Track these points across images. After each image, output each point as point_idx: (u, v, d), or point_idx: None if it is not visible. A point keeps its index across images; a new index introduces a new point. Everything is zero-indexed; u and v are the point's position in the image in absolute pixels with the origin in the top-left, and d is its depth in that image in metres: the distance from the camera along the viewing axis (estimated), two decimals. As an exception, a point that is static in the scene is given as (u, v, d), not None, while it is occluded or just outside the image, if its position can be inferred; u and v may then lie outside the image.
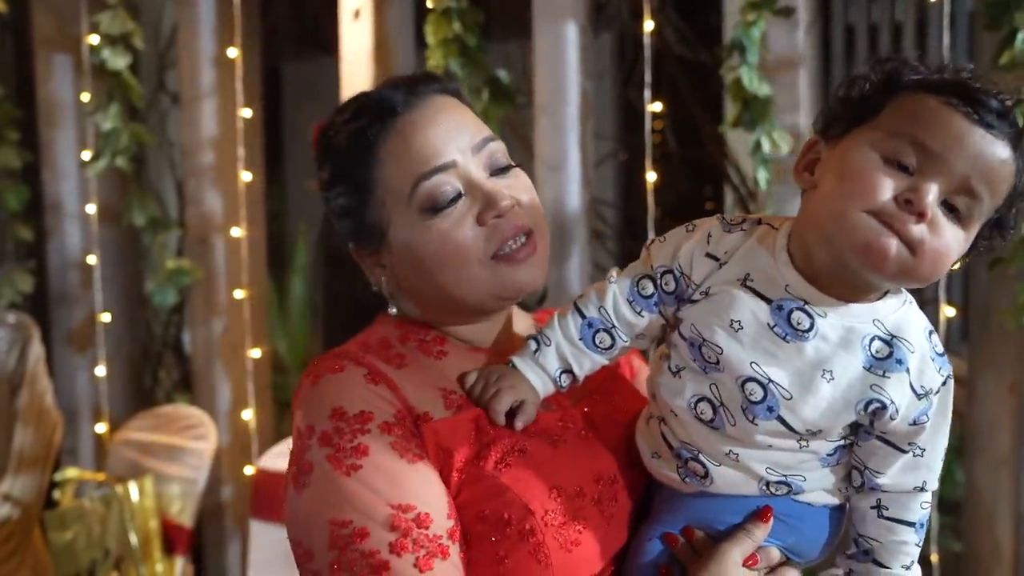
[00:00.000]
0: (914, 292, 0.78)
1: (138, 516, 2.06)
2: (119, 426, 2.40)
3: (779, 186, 1.73)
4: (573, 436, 0.84)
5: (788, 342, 0.73)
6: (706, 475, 0.79)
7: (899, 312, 0.74)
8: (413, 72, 0.89)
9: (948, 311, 1.76)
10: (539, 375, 0.83)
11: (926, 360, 0.74)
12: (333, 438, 0.78)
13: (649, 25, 1.88)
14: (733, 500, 0.81)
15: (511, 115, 2.01)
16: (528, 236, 0.83)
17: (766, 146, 1.68)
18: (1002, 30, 1.53)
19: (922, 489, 0.78)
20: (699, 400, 0.77)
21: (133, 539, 2.05)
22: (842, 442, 0.78)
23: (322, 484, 0.77)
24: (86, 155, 2.38)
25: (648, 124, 1.91)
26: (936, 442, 0.77)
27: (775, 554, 0.82)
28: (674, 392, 0.79)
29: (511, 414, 0.82)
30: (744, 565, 0.79)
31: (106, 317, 2.46)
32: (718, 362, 0.75)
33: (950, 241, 0.69)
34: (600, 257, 2.59)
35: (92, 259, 2.45)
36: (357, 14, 2.15)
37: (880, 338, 0.73)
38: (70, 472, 2.26)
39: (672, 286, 0.79)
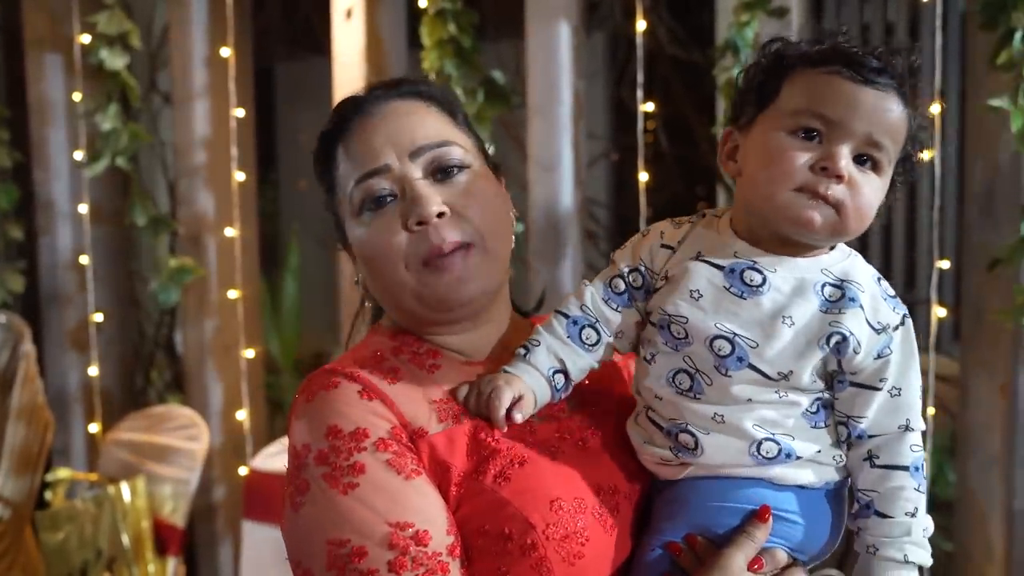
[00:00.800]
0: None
1: (130, 516, 2.06)
2: (111, 426, 2.39)
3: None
4: (571, 447, 0.84)
5: (745, 299, 0.79)
6: (696, 445, 0.80)
7: (845, 262, 0.81)
8: (399, 75, 0.92)
9: (940, 311, 1.77)
10: (533, 375, 0.84)
11: (878, 299, 0.80)
12: (329, 457, 0.77)
13: (642, 25, 1.89)
14: (731, 493, 0.80)
15: (504, 115, 2.02)
16: (465, 249, 0.83)
17: (758, 146, 1.68)
18: (998, 30, 1.53)
19: (907, 428, 0.80)
20: (676, 373, 0.81)
21: (125, 540, 2.04)
22: (821, 395, 0.81)
23: (319, 503, 0.77)
24: (78, 155, 2.37)
25: (641, 124, 1.91)
26: (909, 380, 0.80)
27: (781, 556, 0.82)
28: (653, 376, 0.83)
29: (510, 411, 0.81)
30: (749, 569, 0.79)
31: (98, 317, 2.45)
32: (686, 335, 0.80)
33: (869, 192, 0.78)
34: (593, 257, 2.59)
35: (84, 259, 2.44)
36: (349, 14, 2.15)
37: (830, 284, 0.79)
38: (62, 472, 2.25)
39: (640, 281, 0.85)
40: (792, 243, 0.80)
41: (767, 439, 0.79)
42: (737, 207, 0.83)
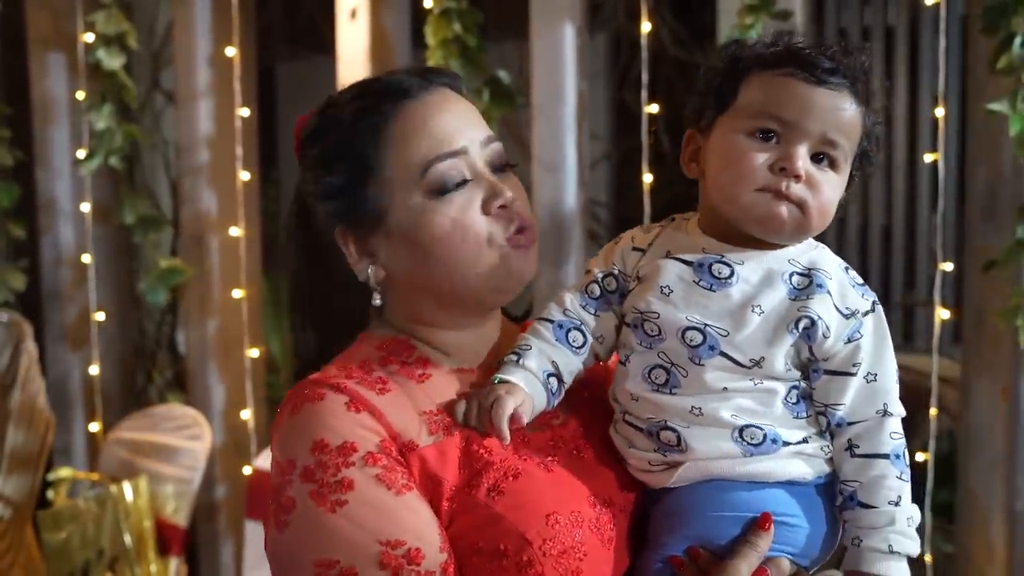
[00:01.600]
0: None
1: (132, 516, 2.05)
2: (112, 426, 2.39)
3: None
4: (566, 456, 0.82)
5: (715, 291, 0.80)
6: (679, 441, 0.80)
7: (811, 252, 0.83)
8: (435, 66, 0.90)
9: (943, 313, 1.77)
10: (529, 379, 0.82)
11: (845, 285, 0.81)
12: (316, 473, 0.74)
13: (646, 27, 1.89)
14: (729, 502, 0.80)
15: (507, 115, 2.02)
16: (532, 229, 0.85)
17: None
18: (999, 34, 1.54)
19: (885, 413, 0.80)
20: (652, 369, 0.82)
21: (127, 539, 2.04)
22: (798, 384, 0.81)
23: (305, 522, 0.73)
24: (81, 154, 2.37)
25: (645, 125, 1.92)
26: (883, 366, 0.81)
27: (785, 565, 0.80)
28: (628, 376, 0.83)
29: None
30: None
31: (100, 316, 2.45)
32: (659, 331, 0.81)
33: (828, 190, 0.80)
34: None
35: (86, 258, 2.44)
36: (354, 14, 2.15)
37: (797, 273, 0.81)
38: (64, 472, 2.25)
39: (614, 285, 0.86)
40: (758, 240, 0.82)
41: (748, 425, 0.79)
42: (703, 208, 0.85)
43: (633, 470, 0.84)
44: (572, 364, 0.85)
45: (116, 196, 2.47)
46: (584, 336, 0.86)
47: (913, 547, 0.80)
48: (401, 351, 0.84)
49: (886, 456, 0.80)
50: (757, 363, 0.79)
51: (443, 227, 0.81)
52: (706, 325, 0.80)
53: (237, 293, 2.33)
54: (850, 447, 0.81)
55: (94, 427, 2.46)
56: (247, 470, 2.27)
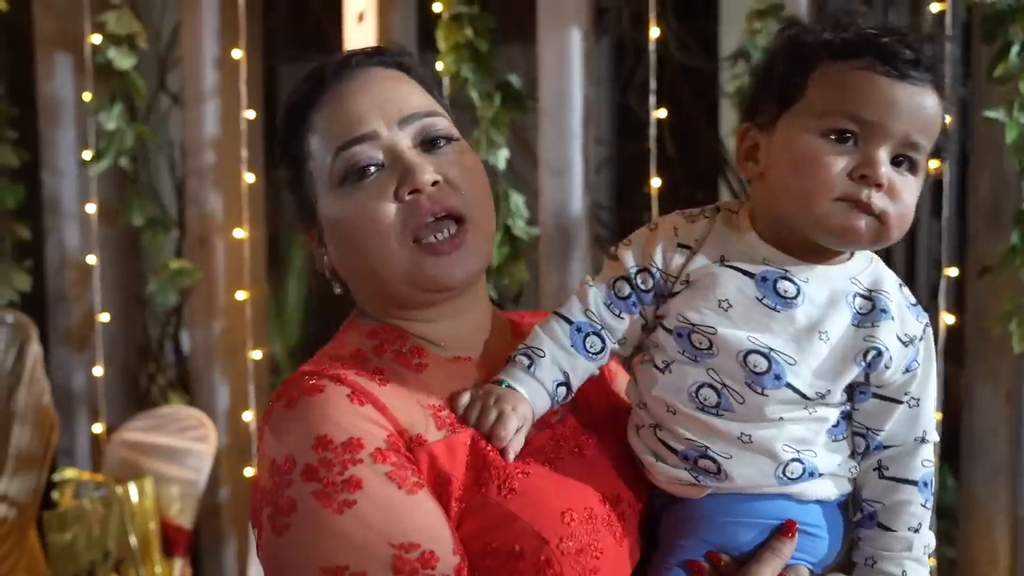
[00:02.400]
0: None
1: (138, 517, 2.05)
2: (115, 427, 2.39)
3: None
4: (568, 454, 0.79)
5: (779, 311, 0.74)
6: (719, 470, 0.76)
7: (870, 269, 0.78)
8: (370, 47, 0.86)
9: (948, 318, 1.78)
10: (537, 391, 0.78)
11: (904, 309, 0.77)
12: (320, 471, 0.69)
13: (655, 32, 1.90)
14: (752, 510, 0.78)
15: (513, 119, 2.03)
16: (458, 224, 0.77)
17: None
18: (997, 43, 1.56)
19: (923, 440, 0.78)
20: (700, 387, 0.75)
21: (133, 540, 2.04)
22: (844, 408, 0.78)
23: (309, 526, 0.68)
24: (87, 155, 2.37)
25: (653, 130, 1.93)
26: (927, 391, 0.78)
27: (804, 573, 0.79)
28: (670, 388, 0.77)
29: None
30: None
31: (104, 317, 2.45)
32: (711, 346, 0.74)
33: (908, 197, 0.73)
34: (601, 261, 2.60)
35: (91, 259, 2.44)
36: (361, 17, 2.15)
37: (860, 295, 0.76)
38: (69, 473, 2.24)
39: (650, 283, 0.78)
40: (821, 250, 0.76)
41: (794, 459, 0.76)
42: (759, 208, 0.78)
43: (654, 479, 0.80)
44: (586, 369, 0.81)
45: (121, 197, 2.46)
46: (603, 341, 0.80)
47: (925, 574, 0.78)
48: (394, 339, 0.80)
49: (915, 483, 0.78)
50: (822, 396, 0.75)
51: (351, 218, 0.76)
52: (771, 350, 0.73)
53: (241, 295, 2.33)
54: (879, 468, 0.78)
55: (98, 428, 2.46)
56: (249, 472, 2.27)
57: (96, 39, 2.30)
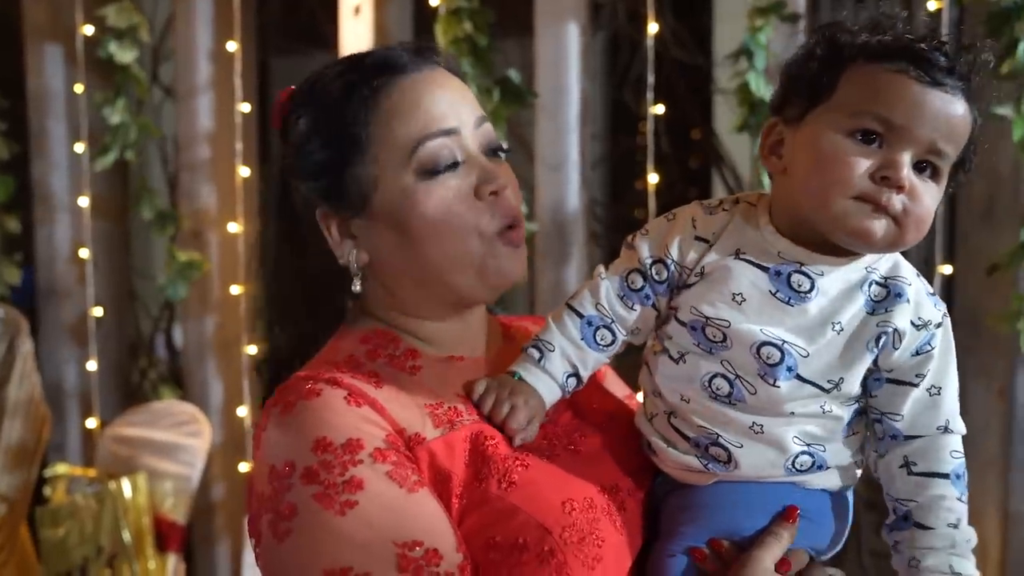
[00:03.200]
0: None
1: (131, 513, 2.04)
2: (108, 422, 2.37)
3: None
4: (562, 451, 0.80)
5: (792, 305, 0.74)
6: (729, 459, 0.77)
7: (890, 260, 0.77)
8: (425, 44, 0.85)
9: (942, 315, 1.79)
10: (547, 383, 0.80)
11: (922, 294, 0.76)
12: (320, 473, 0.69)
13: (653, 27, 1.90)
14: (755, 496, 0.78)
15: (510, 114, 2.02)
16: (520, 223, 0.81)
17: (772, 150, 1.70)
18: (1003, 40, 1.56)
19: (946, 430, 0.76)
20: (713, 377, 0.76)
21: (126, 536, 2.02)
22: (858, 404, 0.78)
23: (311, 529, 0.68)
24: (79, 147, 2.35)
25: (651, 126, 1.93)
26: (948, 380, 0.76)
27: (804, 556, 0.79)
28: (684, 378, 0.78)
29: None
30: (777, 571, 0.76)
31: (97, 312, 2.43)
32: (725, 339, 0.75)
33: (928, 202, 0.73)
34: (597, 257, 2.60)
35: (84, 252, 2.42)
36: (357, 10, 2.14)
37: (876, 282, 0.75)
38: (61, 468, 2.22)
39: (664, 275, 0.79)
40: (838, 248, 0.75)
41: (803, 452, 0.76)
42: (778, 203, 0.78)
43: (662, 464, 0.82)
44: (596, 361, 0.83)
45: (113, 191, 2.44)
46: (613, 334, 0.81)
47: (973, 571, 0.75)
48: (386, 344, 0.80)
49: (946, 476, 0.75)
50: (836, 385, 0.75)
51: (433, 209, 0.76)
52: (784, 342, 0.74)
53: (236, 289, 2.32)
54: (906, 464, 0.76)
55: (90, 423, 2.44)
56: (244, 467, 2.26)
57: (88, 30, 2.28)
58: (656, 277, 0.79)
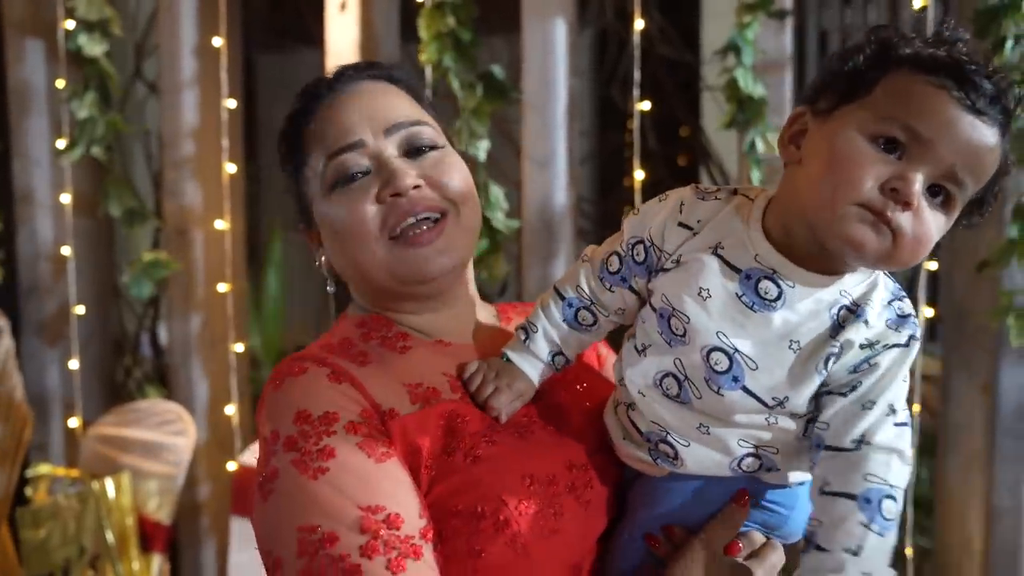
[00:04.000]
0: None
1: (115, 513, 2.02)
2: (91, 421, 2.35)
3: (771, 186, 1.75)
4: (540, 428, 0.85)
5: (756, 311, 0.73)
6: (676, 456, 0.78)
7: (865, 283, 0.75)
8: (363, 61, 0.94)
9: (928, 312, 1.80)
10: (533, 363, 0.85)
11: (881, 321, 0.73)
12: (298, 442, 0.76)
13: (639, 24, 1.90)
14: (711, 484, 0.80)
15: (497, 110, 2.01)
16: (439, 218, 0.84)
17: (760, 147, 1.71)
18: (990, 38, 1.57)
19: (864, 443, 0.71)
20: (664, 376, 0.77)
21: (109, 537, 2.00)
22: (812, 416, 0.76)
23: (289, 490, 0.75)
24: (61, 143, 2.32)
25: (637, 122, 1.92)
26: (884, 399, 0.72)
27: (757, 537, 0.81)
28: (639, 372, 0.79)
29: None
30: (726, 553, 0.78)
31: (80, 310, 2.40)
32: (684, 333, 0.75)
33: (931, 228, 0.70)
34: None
35: (66, 250, 2.39)
36: (343, 6, 2.13)
37: (847, 307, 0.73)
38: (43, 468, 2.20)
39: (642, 256, 0.79)
40: (827, 260, 0.73)
41: (749, 455, 0.77)
42: (781, 196, 0.75)
43: (619, 454, 0.84)
44: (580, 341, 0.87)
45: (96, 187, 2.41)
46: (594, 315, 0.85)
47: None
48: (380, 327, 0.87)
49: (853, 497, 0.70)
50: (780, 403, 0.73)
51: (338, 218, 0.84)
52: (736, 351, 0.72)
53: (222, 287, 2.30)
54: (823, 484, 0.72)
55: (73, 423, 2.41)
56: (231, 466, 2.24)
57: (70, 25, 2.25)
58: (635, 258, 0.80)
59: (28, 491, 2.20)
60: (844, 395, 0.73)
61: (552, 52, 1.97)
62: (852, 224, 0.69)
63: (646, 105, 1.93)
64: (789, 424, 0.75)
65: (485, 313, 0.94)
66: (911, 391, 1.87)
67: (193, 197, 2.32)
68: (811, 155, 0.73)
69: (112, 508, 2.02)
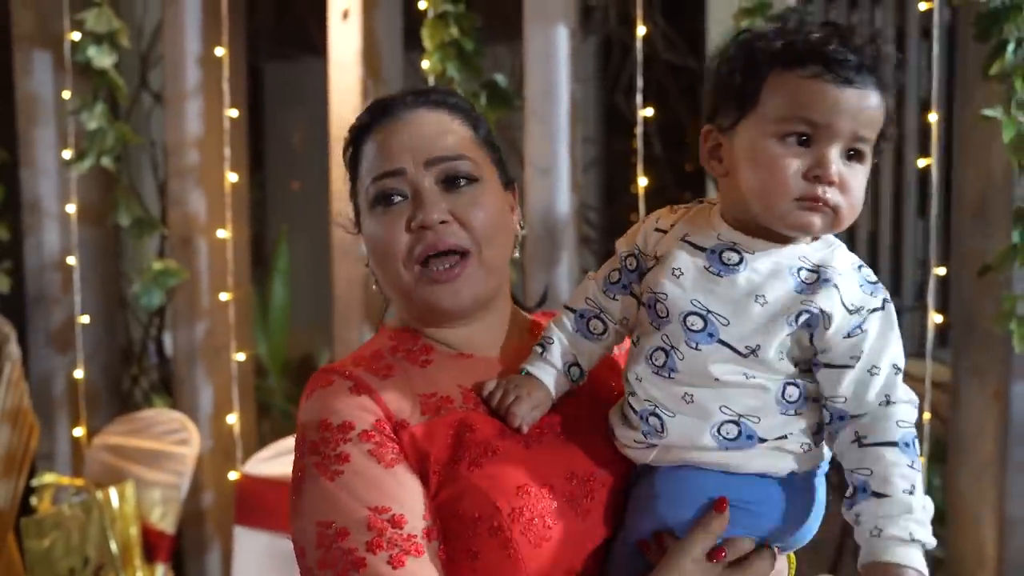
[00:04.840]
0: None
1: (119, 523, 2.02)
2: (97, 430, 2.35)
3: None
4: (550, 437, 0.89)
5: (722, 277, 0.81)
6: (662, 427, 0.83)
7: (824, 252, 0.83)
8: (429, 86, 0.98)
9: (937, 318, 1.78)
10: (550, 372, 0.90)
11: (854, 283, 0.81)
12: (320, 447, 0.85)
13: (641, 30, 1.89)
14: (692, 485, 0.83)
15: (500, 117, 2.01)
16: (462, 256, 0.90)
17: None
18: (991, 41, 1.56)
19: (888, 402, 0.80)
20: (655, 351, 0.84)
21: (113, 546, 2.00)
22: (794, 380, 0.82)
23: (312, 489, 0.85)
24: (67, 154, 2.33)
25: (641, 129, 1.92)
26: (885, 359, 0.80)
27: (744, 544, 0.83)
28: (636, 356, 0.87)
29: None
30: (710, 560, 0.82)
31: (85, 319, 2.41)
32: (667, 313, 0.83)
33: (857, 187, 0.80)
34: (588, 262, 2.59)
35: (72, 260, 2.40)
36: (346, 15, 2.13)
37: (807, 268, 0.81)
38: (48, 477, 2.20)
39: (634, 265, 0.89)
40: (776, 233, 0.82)
41: (728, 421, 0.81)
42: (726, 202, 0.85)
43: (619, 445, 0.89)
44: (592, 351, 0.92)
45: (102, 197, 2.43)
46: (604, 323, 0.91)
47: (930, 537, 0.78)
48: (408, 339, 0.94)
49: (894, 444, 0.78)
50: (753, 351, 0.80)
51: (376, 236, 0.92)
52: (708, 312, 0.81)
53: (225, 296, 2.30)
54: (857, 439, 0.80)
55: (78, 432, 2.42)
56: (233, 475, 2.24)
57: (76, 36, 2.27)
58: (629, 267, 0.90)
59: (33, 501, 2.20)
60: (852, 367, 0.80)
61: (554, 59, 1.97)
62: (795, 214, 0.80)
63: (650, 111, 1.93)
64: (766, 381, 0.81)
65: (518, 327, 0.98)
66: (920, 398, 1.85)
67: (197, 206, 2.33)
68: (735, 168, 0.82)
69: (116, 517, 2.02)
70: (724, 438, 0.81)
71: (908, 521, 0.77)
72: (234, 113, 2.28)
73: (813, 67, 0.77)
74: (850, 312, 0.80)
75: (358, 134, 0.96)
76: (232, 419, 2.30)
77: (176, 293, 2.37)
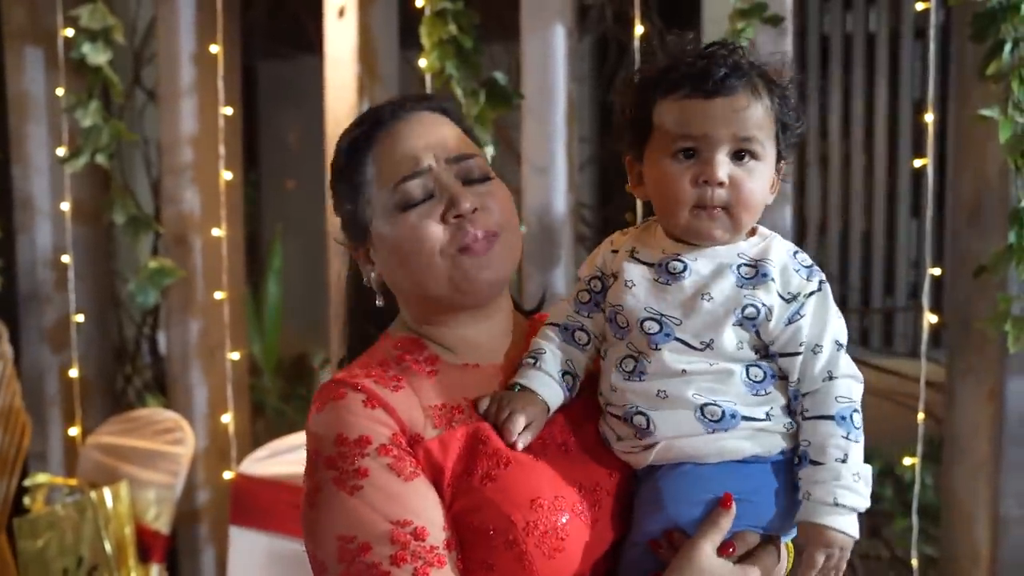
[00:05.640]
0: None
1: (113, 523, 2.01)
2: (91, 430, 2.34)
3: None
4: (553, 449, 0.91)
5: (670, 285, 0.89)
6: (648, 423, 0.88)
7: (761, 245, 0.90)
8: (419, 93, 0.99)
9: (931, 318, 1.79)
10: (546, 381, 0.93)
11: (789, 271, 0.88)
12: (337, 462, 0.86)
13: (639, 30, 1.89)
14: (696, 483, 0.86)
15: (499, 116, 2.00)
16: (494, 236, 0.92)
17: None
18: (988, 41, 1.56)
19: (830, 377, 0.87)
20: (623, 359, 0.90)
21: (107, 547, 1.99)
22: (757, 364, 0.88)
23: (330, 504, 0.85)
24: (60, 151, 2.31)
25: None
26: (826, 337, 0.88)
27: (752, 537, 0.87)
28: (606, 368, 0.92)
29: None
30: (720, 555, 0.85)
31: (79, 318, 2.40)
32: (627, 323, 0.90)
33: (753, 184, 0.87)
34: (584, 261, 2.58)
35: (66, 258, 2.39)
36: (342, 12, 2.12)
37: (745, 264, 0.89)
38: (41, 477, 2.19)
39: (599, 286, 0.95)
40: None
41: (708, 404, 0.86)
42: (660, 220, 0.94)
43: (619, 454, 0.92)
44: (581, 360, 0.96)
45: (96, 195, 2.41)
46: (588, 335, 0.96)
47: (858, 501, 0.85)
48: (414, 349, 0.95)
49: (831, 417, 0.87)
50: (708, 345, 0.87)
51: (404, 235, 0.92)
52: (662, 315, 0.88)
53: (219, 295, 2.29)
54: (802, 412, 0.89)
55: (73, 431, 2.41)
56: (228, 475, 2.23)
57: (69, 33, 2.25)
58: (594, 289, 0.96)
59: (26, 501, 2.19)
60: (799, 353, 0.88)
61: (551, 58, 1.97)
62: (695, 223, 0.88)
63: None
64: (727, 365, 0.88)
65: (518, 332, 1.00)
66: (915, 398, 1.86)
67: (192, 204, 2.32)
68: (649, 190, 0.92)
69: (110, 518, 2.01)
70: (710, 420, 0.86)
71: (835, 487, 0.85)
72: (228, 111, 2.27)
73: (683, 88, 0.87)
74: (787, 301, 0.87)
75: (358, 144, 0.96)
76: (227, 418, 2.29)
77: (170, 292, 2.35)
